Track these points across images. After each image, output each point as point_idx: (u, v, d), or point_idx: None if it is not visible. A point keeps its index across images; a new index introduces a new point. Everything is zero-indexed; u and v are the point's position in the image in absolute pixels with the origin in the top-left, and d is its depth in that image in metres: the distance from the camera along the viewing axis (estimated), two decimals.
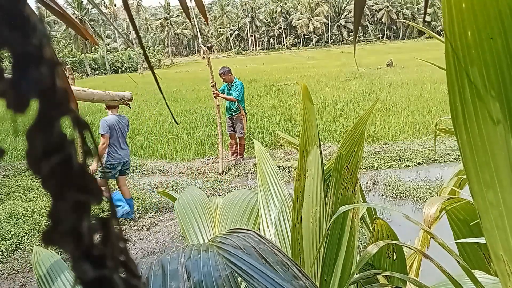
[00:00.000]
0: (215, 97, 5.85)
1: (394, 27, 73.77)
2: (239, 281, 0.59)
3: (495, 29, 0.48)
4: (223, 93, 6.25)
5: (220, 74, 6.19)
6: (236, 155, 6.59)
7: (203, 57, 5.69)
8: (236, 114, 6.27)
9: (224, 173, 5.94)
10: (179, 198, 1.35)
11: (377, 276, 1.01)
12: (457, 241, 1.17)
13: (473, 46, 0.50)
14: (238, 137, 6.45)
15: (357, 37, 0.58)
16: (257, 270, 0.57)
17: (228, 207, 1.32)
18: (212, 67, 5.65)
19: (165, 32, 67.67)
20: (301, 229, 1.00)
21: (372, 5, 70.60)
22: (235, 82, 6.17)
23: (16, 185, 5.83)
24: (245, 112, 6.35)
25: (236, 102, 6.14)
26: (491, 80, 0.51)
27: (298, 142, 1.12)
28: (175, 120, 0.57)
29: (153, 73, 0.43)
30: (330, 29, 76.60)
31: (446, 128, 1.55)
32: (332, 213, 0.97)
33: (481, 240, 0.99)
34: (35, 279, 1.04)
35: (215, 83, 5.85)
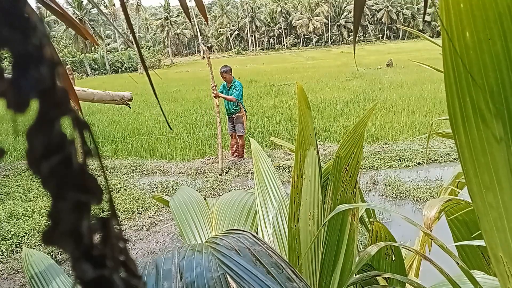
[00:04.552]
0: (215, 97, 5.86)
1: (394, 27, 73.75)
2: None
3: (494, 31, 0.48)
4: (221, 93, 6.27)
5: (221, 72, 6.21)
6: (237, 155, 6.59)
7: (203, 57, 5.70)
8: (236, 113, 6.29)
9: (224, 173, 5.94)
10: (173, 198, 1.34)
11: (377, 277, 1.01)
12: (457, 243, 1.17)
13: (471, 48, 0.50)
14: (238, 135, 6.45)
15: (357, 37, 0.58)
16: (247, 271, 0.57)
17: (225, 208, 1.32)
18: (212, 67, 5.66)
19: (165, 32, 67.62)
20: (298, 231, 0.99)
21: (372, 5, 70.55)
22: (234, 82, 6.20)
23: (16, 185, 5.83)
24: (245, 111, 6.36)
25: (236, 102, 6.16)
26: (490, 82, 0.51)
27: (293, 147, 1.12)
28: (169, 126, 0.57)
29: (149, 77, 0.43)
30: (330, 29, 76.57)
31: (443, 132, 1.54)
32: None
33: (480, 242, 0.99)
34: (27, 280, 1.02)
35: (215, 85, 5.87)
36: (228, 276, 0.56)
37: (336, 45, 72.66)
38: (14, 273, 3.60)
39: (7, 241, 4.06)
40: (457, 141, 0.56)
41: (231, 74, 6.19)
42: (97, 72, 42.52)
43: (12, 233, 4.21)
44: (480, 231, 0.61)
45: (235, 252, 0.60)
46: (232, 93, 6.14)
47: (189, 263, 0.58)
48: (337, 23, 74.63)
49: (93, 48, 45.16)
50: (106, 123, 10.17)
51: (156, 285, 0.54)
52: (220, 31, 78.35)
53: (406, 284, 1.04)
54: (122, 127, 9.50)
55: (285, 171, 5.75)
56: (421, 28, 65.18)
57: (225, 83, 6.27)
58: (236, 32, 78.74)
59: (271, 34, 79.56)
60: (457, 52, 0.51)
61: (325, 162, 1.22)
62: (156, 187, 5.62)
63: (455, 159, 5.80)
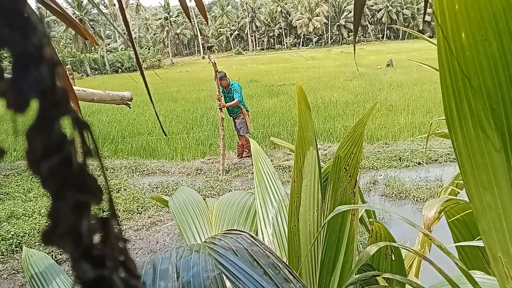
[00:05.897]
0: (220, 109, 5.83)
1: (394, 27, 73.63)
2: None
3: (489, 31, 0.48)
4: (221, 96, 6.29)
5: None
6: (248, 152, 6.52)
7: (203, 57, 5.69)
8: (237, 113, 6.29)
9: (224, 173, 5.94)
10: (173, 198, 1.34)
11: (377, 278, 1.01)
12: (456, 244, 1.17)
13: (467, 48, 0.50)
14: (239, 135, 6.43)
15: (357, 37, 0.58)
16: (244, 272, 0.57)
17: (225, 208, 1.32)
18: (218, 78, 5.62)
19: (165, 32, 67.58)
20: (298, 231, 0.99)
21: (372, 5, 70.52)
22: (232, 84, 6.19)
23: (16, 185, 5.84)
24: (247, 110, 6.34)
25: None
26: (486, 82, 0.51)
27: (293, 147, 1.12)
28: (163, 131, 0.57)
29: (144, 81, 0.43)
30: (330, 29, 76.55)
31: (442, 133, 1.55)
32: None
33: (480, 243, 0.99)
34: (27, 280, 1.02)
35: (221, 96, 5.86)
36: (224, 277, 0.56)
37: (336, 45, 72.63)
38: (14, 273, 3.60)
39: (7, 241, 4.06)
40: (454, 142, 0.56)
41: (226, 79, 6.18)
42: (97, 72, 42.49)
43: (12, 233, 4.21)
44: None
45: (232, 253, 0.60)
46: (234, 96, 6.15)
47: (186, 263, 0.58)
48: (337, 23, 74.60)
49: (93, 48, 45.10)
50: (106, 123, 10.17)
51: (153, 284, 0.55)
52: (220, 31, 78.30)
53: (406, 284, 1.04)
54: (122, 127, 9.50)
55: (285, 171, 5.75)
56: (421, 28, 65.17)
57: (223, 88, 6.27)
58: (236, 32, 78.69)
59: (271, 34, 79.51)
60: (453, 53, 0.51)
61: (325, 162, 1.22)
62: (156, 187, 5.62)
63: (454, 159, 5.78)
